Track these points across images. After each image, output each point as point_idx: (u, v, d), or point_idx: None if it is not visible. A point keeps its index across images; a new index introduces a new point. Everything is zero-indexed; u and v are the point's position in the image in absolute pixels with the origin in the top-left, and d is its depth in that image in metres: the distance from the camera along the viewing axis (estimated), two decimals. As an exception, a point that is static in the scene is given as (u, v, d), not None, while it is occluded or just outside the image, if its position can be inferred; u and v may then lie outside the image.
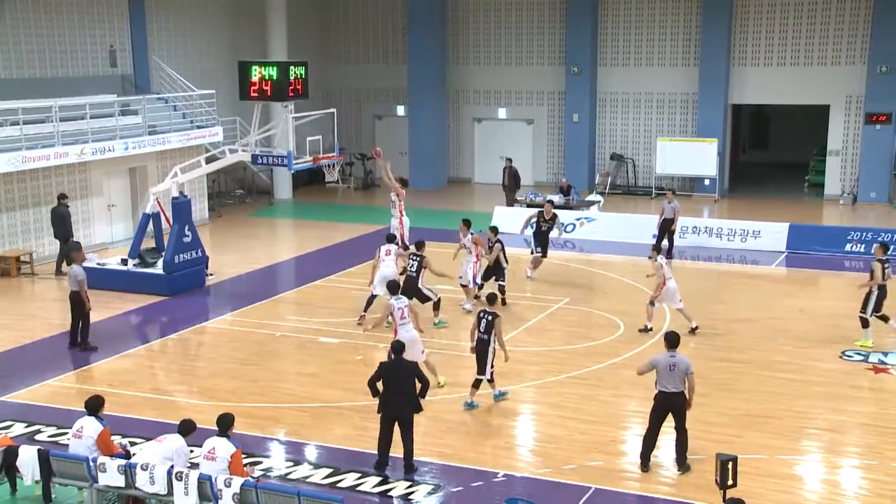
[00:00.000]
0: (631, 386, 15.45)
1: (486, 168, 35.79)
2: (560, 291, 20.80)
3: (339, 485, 11.90)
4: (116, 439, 11.94)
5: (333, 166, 21.55)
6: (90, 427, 11.15)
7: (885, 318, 17.19)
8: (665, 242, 24.28)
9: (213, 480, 10.32)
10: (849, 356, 16.61)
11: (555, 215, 21.66)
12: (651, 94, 33.87)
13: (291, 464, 12.55)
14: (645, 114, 34.10)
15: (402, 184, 21.61)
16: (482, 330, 14.12)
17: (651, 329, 17.85)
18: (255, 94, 20.72)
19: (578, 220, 26.60)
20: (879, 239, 22.38)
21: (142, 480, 10.56)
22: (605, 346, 17.28)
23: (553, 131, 35.42)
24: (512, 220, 26.75)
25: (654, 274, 18.24)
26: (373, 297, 18.29)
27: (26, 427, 13.60)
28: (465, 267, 19.35)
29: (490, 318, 14.07)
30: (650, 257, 18.22)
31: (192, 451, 11.11)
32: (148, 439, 11.95)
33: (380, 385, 12.27)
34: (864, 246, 24.30)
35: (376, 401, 12.30)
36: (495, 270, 19.46)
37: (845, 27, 31.23)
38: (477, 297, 18.91)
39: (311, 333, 18.01)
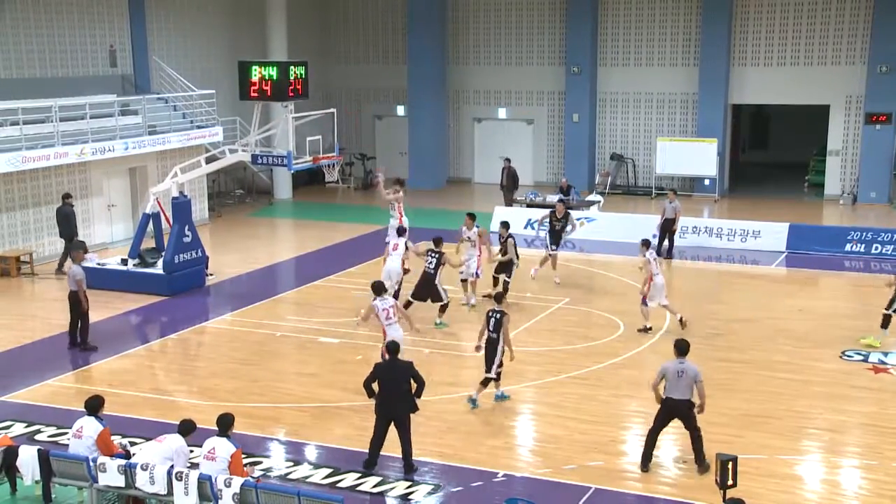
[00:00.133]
0: (631, 386, 15.47)
1: (485, 168, 35.79)
2: (560, 291, 20.80)
3: (339, 485, 11.90)
4: (116, 439, 11.94)
5: (333, 166, 21.56)
6: (90, 427, 11.15)
7: None
8: (665, 242, 24.33)
9: (213, 480, 10.32)
10: (849, 356, 16.61)
11: (567, 213, 21.55)
12: (651, 94, 33.88)
13: (291, 464, 12.55)
14: (645, 114, 34.10)
15: (399, 184, 21.52)
16: (491, 328, 14.15)
17: (651, 329, 17.85)
18: (255, 94, 20.72)
19: (578, 220, 26.52)
20: None
21: (142, 480, 10.56)
22: (605, 346, 17.28)
23: (553, 131, 35.42)
24: (512, 219, 26.63)
25: (643, 267, 18.23)
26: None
27: (26, 427, 13.60)
28: (469, 261, 19.37)
29: (498, 315, 14.11)
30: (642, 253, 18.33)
31: (192, 451, 11.11)
32: (148, 439, 11.95)
33: (375, 386, 12.27)
34: (863, 246, 24.32)
35: (373, 401, 12.31)
36: (505, 267, 19.46)
37: (845, 27, 31.23)
38: (487, 295, 18.72)
39: (311, 333, 18.01)
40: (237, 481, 10.27)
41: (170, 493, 10.46)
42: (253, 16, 32.89)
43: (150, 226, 21.50)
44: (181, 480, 10.38)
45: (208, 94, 28.19)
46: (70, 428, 11.49)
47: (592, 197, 29.92)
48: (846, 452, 13.02)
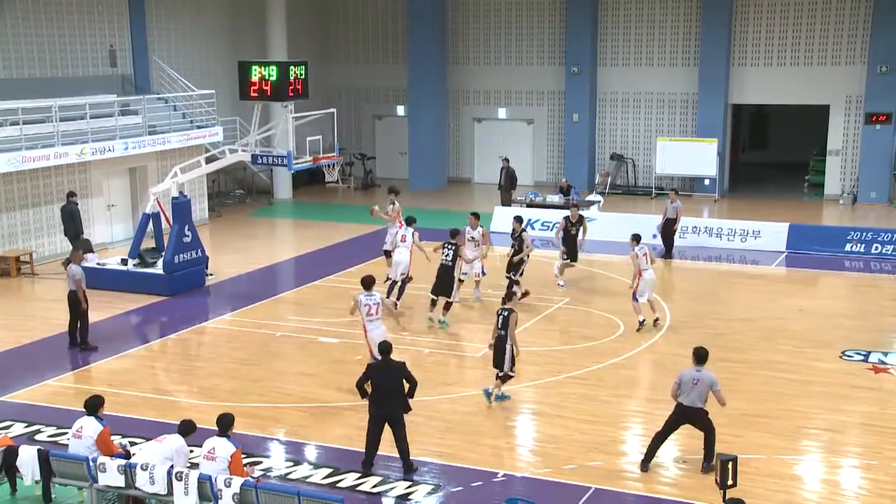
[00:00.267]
0: (631, 386, 15.48)
1: (485, 168, 35.80)
2: (560, 291, 20.79)
3: (339, 485, 11.90)
4: (116, 439, 11.94)
5: (333, 166, 21.55)
6: (90, 427, 11.15)
7: None
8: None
9: (213, 480, 10.32)
10: (849, 356, 16.61)
11: (581, 217, 21.37)
12: (651, 94, 33.88)
13: (291, 464, 12.55)
14: (645, 114, 34.10)
15: (394, 194, 21.07)
16: (499, 326, 14.22)
17: (645, 322, 17.94)
18: (255, 94, 20.72)
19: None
20: None
21: (142, 480, 10.56)
22: (605, 346, 17.28)
23: (553, 131, 35.43)
24: (510, 219, 26.67)
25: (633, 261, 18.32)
26: (392, 283, 18.88)
27: (26, 427, 13.60)
28: (474, 261, 19.39)
29: (506, 314, 14.17)
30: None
31: (191, 451, 11.11)
32: (148, 439, 11.95)
33: (368, 387, 12.29)
34: (863, 246, 24.31)
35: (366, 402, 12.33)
36: (515, 263, 19.46)
37: (845, 27, 31.23)
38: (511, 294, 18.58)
39: (311, 333, 18.01)
40: (237, 481, 10.27)
41: (170, 493, 10.46)
42: (253, 16, 32.90)
43: (150, 226, 21.50)
44: (181, 480, 10.38)
45: (208, 94, 28.20)
46: (70, 428, 11.49)
47: (592, 197, 29.93)
48: (846, 452, 13.01)
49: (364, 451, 12.25)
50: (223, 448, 10.62)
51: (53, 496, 11.41)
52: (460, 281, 19.53)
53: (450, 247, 18.10)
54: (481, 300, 19.60)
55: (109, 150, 24.29)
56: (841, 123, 31.93)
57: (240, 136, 26.84)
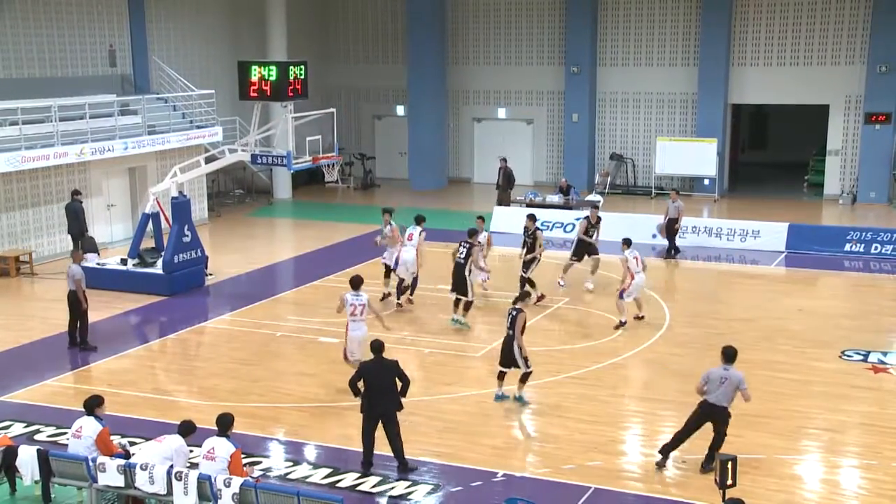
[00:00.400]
0: (630, 386, 15.49)
1: (485, 168, 35.77)
2: (560, 291, 20.79)
3: (339, 485, 11.90)
4: (116, 439, 11.94)
5: (333, 166, 21.55)
6: (89, 427, 11.15)
7: None
8: (663, 241, 24.36)
9: (213, 480, 10.31)
10: (848, 356, 16.61)
11: (599, 219, 21.41)
12: (650, 94, 33.88)
13: (291, 464, 12.55)
14: (644, 113, 34.10)
15: (388, 214, 20.57)
16: (508, 325, 14.27)
17: (626, 323, 18.07)
18: (255, 94, 20.71)
19: (578, 219, 26.54)
20: None
21: (141, 480, 10.56)
22: (605, 346, 17.28)
23: (552, 131, 35.42)
24: (510, 219, 26.74)
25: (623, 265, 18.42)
26: (400, 281, 19.04)
27: (25, 427, 13.60)
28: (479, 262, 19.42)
29: (514, 313, 14.21)
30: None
31: (191, 451, 11.10)
32: (147, 439, 11.94)
33: (361, 386, 12.30)
34: (863, 246, 24.31)
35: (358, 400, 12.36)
36: (528, 261, 19.46)
37: (845, 27, 31.23)
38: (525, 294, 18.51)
39: (311, 333, 18.01)
40: (237, 481, 10.27)
41: (169, 492, 10.46)
42: (252, 16, 32.89)
43: (150, 226, 21.50)
44: (181, 480, 10.38)
45: (208, 94, 28.20)
46: (69, 428, 11.49)
47: (592, 197, 29.89)
48: (846, 452, 13.02)
49: (362, 451, 12.25)
50: (223, 448, 10.63)
51: (53, 496, 11.41)
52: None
53: (465, 245, 18.11)
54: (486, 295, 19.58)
55: (109, 149, 24.28)
56: (840, 123, 31.93)
57: (239, 136, 26.83)
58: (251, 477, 10.93)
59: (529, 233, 19.66)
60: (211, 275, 22.13)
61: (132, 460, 10.87)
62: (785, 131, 38.50)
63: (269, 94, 20.61)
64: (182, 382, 15.78)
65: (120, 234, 26.08)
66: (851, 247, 24.45)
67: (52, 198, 23.89)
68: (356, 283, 14.87)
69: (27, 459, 11.17)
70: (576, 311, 19.46)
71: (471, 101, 36.47)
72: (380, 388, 12.11)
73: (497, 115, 36.21)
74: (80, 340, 17.11)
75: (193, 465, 10.91)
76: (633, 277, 17.97)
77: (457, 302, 18.18)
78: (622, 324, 18.05)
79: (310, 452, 12.98)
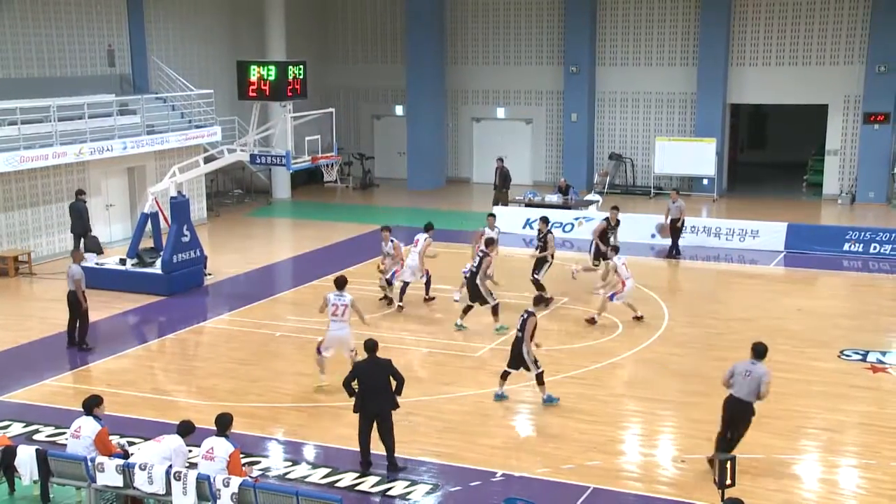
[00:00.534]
0: (629, 386, 15.48)
1: (484, 168, 35.74)
2: (559, 291, 20.77)
3: (338, 484, 11.90)
4: (115, 439, 11.93)
5: (332, 166, 21.54)
6: (88, 427, 11.14)
7: None
8: (662, 241, 24.36)
9: (212, 480, 10.31)
10: (847, 356, 16.62)
11: (618, 221, 21.33)
12: (649, 94, 33.88)
13: (290, 463, 12.55)
14: (643, 113, 34.11)
15: (387, 230, 20.41)
16: (518, 327, 14.29)
17: (596, 320, 18.18)
18: (254, 94, 20.70)
19: (577, 219, 26.60)
20: None
21: (140, 480, 10.56)
22: (603, 345, 17.28)
23: (551, 131, 35.42)
24: (509, 219, 26.72)
25: (592, 269, 18.54)
26: (405, 284, 19.16)
27: (24, 427, 13.60)
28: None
29: (525, 316, 14.25)
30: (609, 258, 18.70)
31: (190, 451, 11.10)
32: (146, 439, 11.94)
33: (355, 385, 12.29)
34: (862, 246, 24.31)
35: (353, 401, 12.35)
36: (539, 264, 19.44)
37: (843, 27, 31.24)
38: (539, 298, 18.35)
39: (310, 333, 17.96)
40: (235, 481, 10.27)
41: (168, 492, 10.46)
42: (251, 16, 32.89)
43: (149, 225, 21.49)
44: (179, 480, 10.38)
45: (206, 93, 28.19)
46: (68, 428, 11.49)
47: (591, 196, 29.89)
48: (844, 452, 13.02)
49: (360, 451, 12.26)
50: (222, 448, 10.62)
51: (52, 496, 11.41)
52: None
53: (481, 254, 18.04)
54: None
55: (108, 149, 24.27)
56: (839, 123, 31.94)
57: (238, 136, 26.82)
58: (250, 477, 10.92)
59: (541, 236, 19.65)
60: (210, 275, 22.13)
61: (131, 460, 10.87)
62: (784, 131, 38.50)
63: (267, 93, 20.61)
64: (181, 382, 15.78)
65: (119, 234, 26.08)
66: (850, 246, 24.45)
67: (51, 198, 23.88)
68: (340, 283, 14.95)
69: (26, 459, 11.17)
70: (575, 311, 19.44)
71: (470, 100, 36.47)
72: (374, 387, 12.12)
73: (496, 115, 36.21)
74: (79, 340, 17.09)
75: (192, 465, 10.90)
76: (624, 284, 18.11)
77: (466, 309, 18.12)
78: (594, 321, 18.27)
79: (308, 452, 12.97)
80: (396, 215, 28.67)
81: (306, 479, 12.01)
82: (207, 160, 22.57)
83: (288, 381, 15.69)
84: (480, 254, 18.01)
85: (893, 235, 24.20)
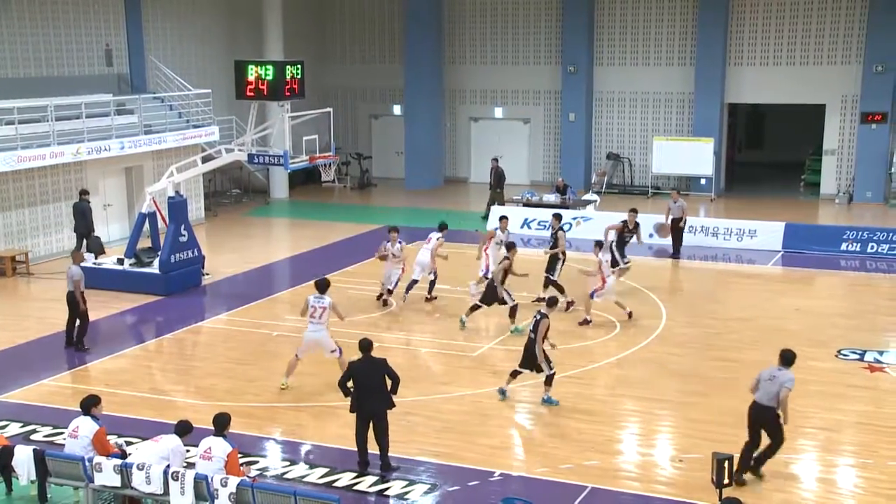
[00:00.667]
0: (626, 385, 15.48)
1: (482, 167, 35.67)
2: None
3: (335, 484, 11.90)
4: (113, 439, 11.92)
5: (330, 166, 21.54)
6: (86, 427, 11.13)
7: None
8: (661, 241, 24.36)
9: (210, 480, 10.31)
10: (844, 355, 16.63)
11: (637, 224, 21.17)
12: (647, 94, 33.90)
13: (288, 463, 12.55)
14: (641, 113, 34.13)
15: (395, 231, 20.24)
16: (531, 328, 14.33)
17: (589, 322, 18.14)
18: (252, 94, 20.69)
19: (575, 219, 26.59)
20: None
21: (138, 480, 10.55)
22: (601, 345, 17.29)
23: (549, 130, 35.43)
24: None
25: (587, 270, 18.60)
26: (413, 281, 19.26)
27: (22, 427, 13.59)
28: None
29: (538, 317, 14.27)
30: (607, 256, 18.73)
31: (188, 451, 11.10)
32: (144, 439, 11.93)
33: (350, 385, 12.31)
34: (859, 245, 24.33)
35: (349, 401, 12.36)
36: (552, 262, 19.42)
37: (841, 27, 31.27)
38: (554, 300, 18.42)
39: (308, 333, 17.98)
40: (233, 481, 10.26)
41: (166, 492, 10.45)
42: (249, 15, 32.87)
43: (147, 225, 21.48)
44: (177, 480, 10.37)
45: (204, 93, 28.18)
46: (66, 428, 11.48)
47: (589, 196, 29.90)
48: (842, 451, 13.03)
49: (357, 451, 12.26)
50: (219, 447, 10.62)
51: (49, 496, 11.39)
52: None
53: (503, 261, 18.05)
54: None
55: (105, 149, 24.26)
56: (837, 123, 31.97)
57: (236, 136, 26.81)
58: (248, 476, 10.91)
59: (553, 232, 19.68)
60: (207, 274, 22.11)
61: (129, 460, 10.86)
62: (781, 131, 38.53)
63: (265, 93, 20.60)
64: (179, 382, 15.77)
65: (116, 234, 26.06)
66: (848, 246, 24.47)
67: (49, 198, 23.86)
68: (320, 285, 15.01)
69: (23, 459, 11.15)
70: (574, 311, 19.43)
71: (467, 100, 36.48)
72: (369, 387, 12.13)
73: (494, 115, 36.21)
74: (77, 340, 17.07)
75: (190, 465, 10.90)
76: (604, 281, 18.11)
77: (474, 307, 18.08)
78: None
79: (306, 452, 12.97)
80: (394, 215, 28.66)
81: (304, 479, 12.01)
82: (205, 160, 22.58)
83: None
84: (503, 261, 17.99)
85: (890, 235, 24.23)
